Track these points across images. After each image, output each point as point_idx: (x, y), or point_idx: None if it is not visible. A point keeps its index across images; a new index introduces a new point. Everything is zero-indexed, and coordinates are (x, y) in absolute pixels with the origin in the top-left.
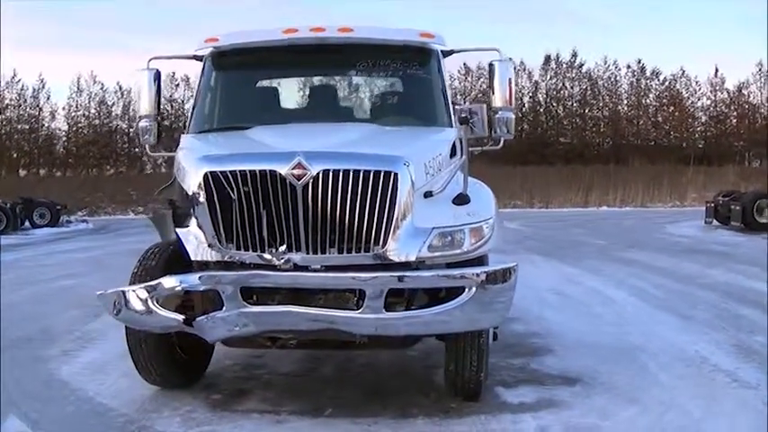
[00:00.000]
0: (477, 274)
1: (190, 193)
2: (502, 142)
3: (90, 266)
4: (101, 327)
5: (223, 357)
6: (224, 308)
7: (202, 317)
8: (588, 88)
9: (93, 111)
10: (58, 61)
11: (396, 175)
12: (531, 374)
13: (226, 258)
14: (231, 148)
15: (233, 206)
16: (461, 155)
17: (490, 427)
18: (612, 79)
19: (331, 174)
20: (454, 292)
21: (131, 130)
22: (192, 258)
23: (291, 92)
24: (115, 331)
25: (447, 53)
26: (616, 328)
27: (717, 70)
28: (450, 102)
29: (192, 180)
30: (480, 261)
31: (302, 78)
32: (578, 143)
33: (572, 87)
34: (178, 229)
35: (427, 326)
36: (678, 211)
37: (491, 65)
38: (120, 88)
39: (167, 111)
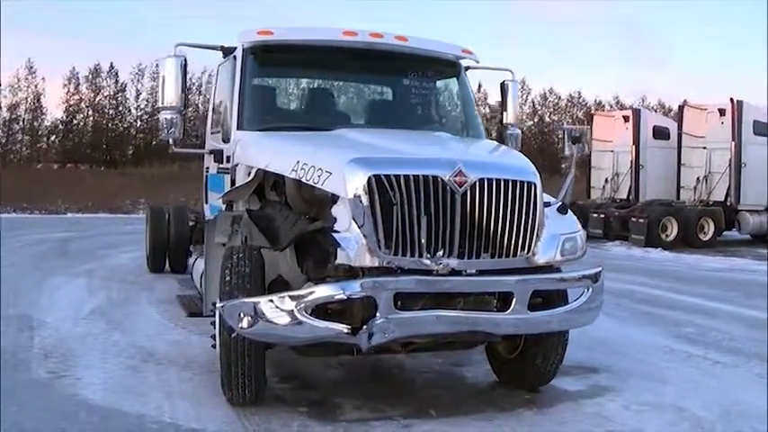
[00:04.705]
0: (592, 275)
1: (350, 197)
2: None
3: None
4: (54, 342)
5: None
6: (378, 315)
7: (363, 325)
8: None
9: None
10: None
11: (535, 185)
12: None
13: (384, 264)
14: (364, 151)
15: (394, 211)
16: None
17: (586, 410)
18: None
19: (486, 182)
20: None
21: None
22: (354, 264)
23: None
24: (81, 346)
25: (465, 68)
26: None
27: (480, 86)
28: None
29: (349, 182)
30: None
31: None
32: None
33: None
34: (336, 235)
35: (558, 323)
36: None
37: (504, 84)
38: None
39: None
